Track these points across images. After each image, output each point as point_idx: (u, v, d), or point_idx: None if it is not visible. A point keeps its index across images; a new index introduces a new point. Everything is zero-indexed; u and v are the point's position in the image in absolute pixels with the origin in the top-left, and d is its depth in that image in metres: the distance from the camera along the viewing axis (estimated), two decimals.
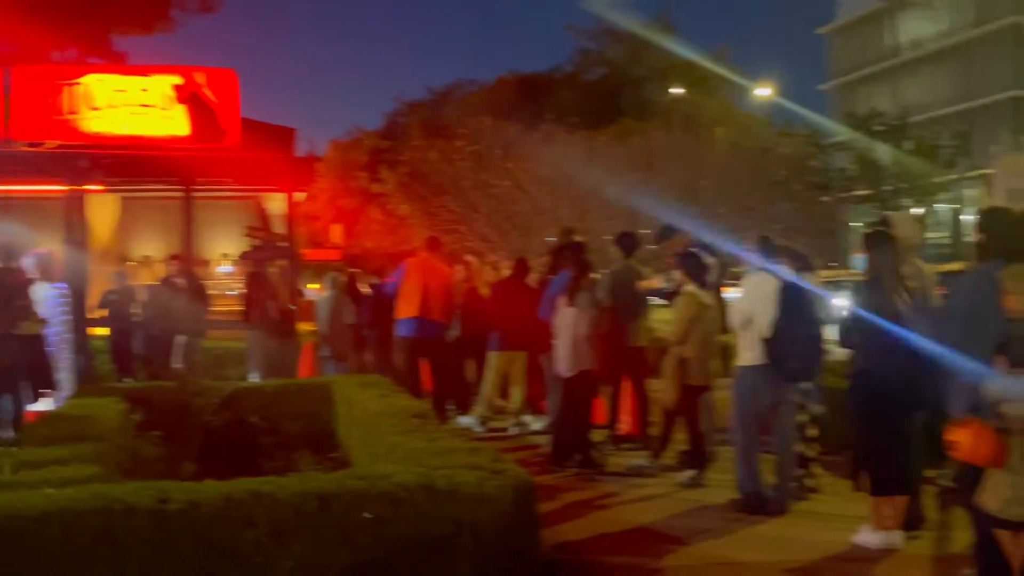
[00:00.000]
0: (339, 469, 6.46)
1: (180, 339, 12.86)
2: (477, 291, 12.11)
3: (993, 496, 5.23)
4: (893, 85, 70.61)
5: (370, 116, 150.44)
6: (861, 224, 51.20)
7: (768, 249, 7.90)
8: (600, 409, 10.61)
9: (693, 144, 35.09)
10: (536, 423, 11.23)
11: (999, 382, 5.20)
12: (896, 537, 6.67)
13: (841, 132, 56.32)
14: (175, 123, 11.04)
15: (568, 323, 9.27)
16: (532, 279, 11.34)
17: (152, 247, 23.47)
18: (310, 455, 8.02)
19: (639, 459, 8.78)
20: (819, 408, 8.39)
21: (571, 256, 9.66)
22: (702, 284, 8.59)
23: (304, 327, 13.49)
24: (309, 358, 13.65)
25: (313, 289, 18.03)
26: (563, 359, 9.32)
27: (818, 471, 8.40)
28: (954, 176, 52.07)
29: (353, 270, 15.30)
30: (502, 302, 11.22)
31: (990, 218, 6.10)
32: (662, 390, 8.67)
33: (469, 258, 13.18)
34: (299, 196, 12.58)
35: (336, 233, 46.84)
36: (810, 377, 8.00)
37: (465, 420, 11.57)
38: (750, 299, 7.68)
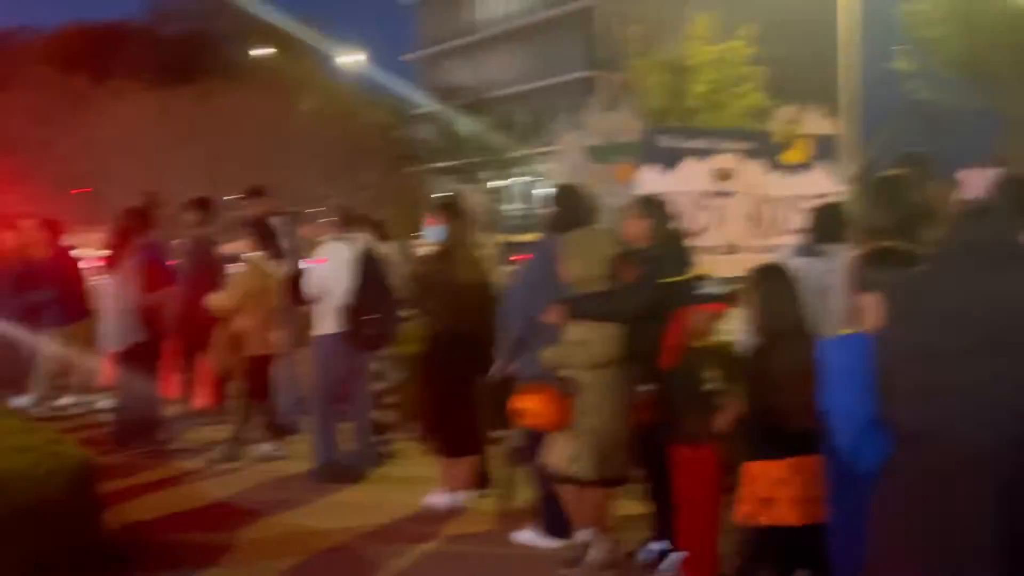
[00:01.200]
0: None
1: None
2: (35, 259, 11.32)
3: (557, 456, 5.70)
4: (475, 60, 73.79)
5: None
6: (441, 195, 53.12)
7: (345, 217, 8.04)
8: (174, 382, 10.33)
9: (278, 108, 34.81)
10: (103, 400, 10.73)
11: (560, 348, 5.67)
12: (465, 496, 7.08)
13: (426, 104, 58.03)
14: None
15: (114, 293, 8.86)
16: (100, 244, 10.78)
17: None
18: None
19: (268, 447, 8.60)
20: (396, 375, 8.70)
21: (123, 223, 9.23)
22: (271, 252, 8.60)
23: None
24: None
25: None
26: (112, 332, 8.93)
27: (395, 437, 8.72)
28: (529, 151, 55.31)
29: None
30: (60, 271, 10.57)
31: (561, 193, 6.61)
32: (214, 360, 8.62)
33: (25, 222, 12.26)
34: None
35: None
36: (387, 345, 8.27)
37: (21, 400, 10.83)
38: (327, 268, 7.79)
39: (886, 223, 4.42)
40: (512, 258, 8.01)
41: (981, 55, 26.28)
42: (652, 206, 6.35)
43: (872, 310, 3.50)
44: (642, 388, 5.63)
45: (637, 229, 6.10)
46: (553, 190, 6.64)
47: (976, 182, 3.10)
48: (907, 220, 4.39)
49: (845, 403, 3.43)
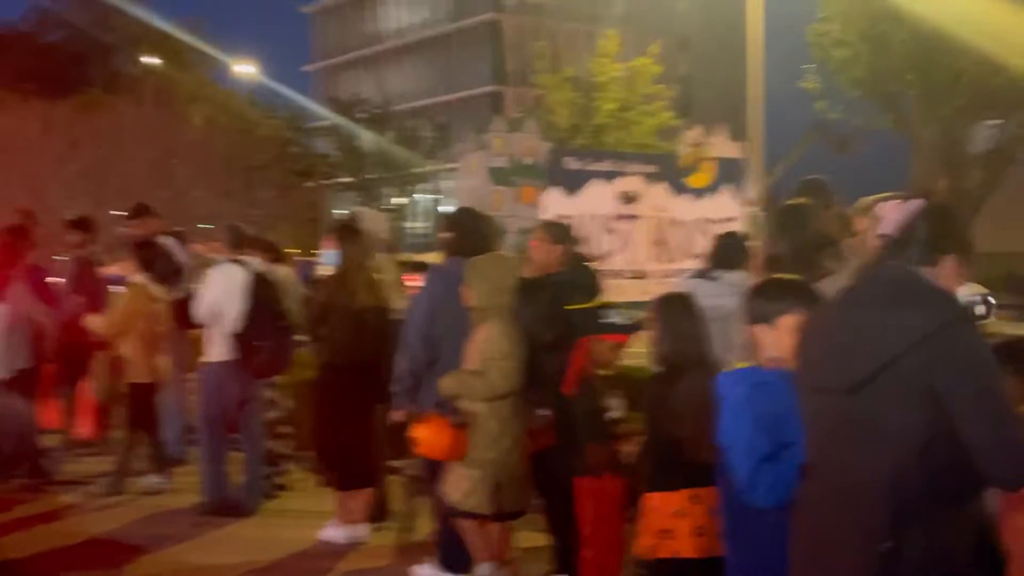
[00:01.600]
0: None
1: None
2: None
3: (454, 488, 5.74)
4: (377, 72, 73.67)
5: None
6: (345, 213, 52.76)
7: (237, 238, 8.01)
8: (53, 410, 10.12)
9: (167, 121, 34.35)
10: None
11: (458, 377, 5.72)
12: (362, 530, 7.08)
13: (325, 116, 57.75)
14: None
15: None
16: None
17: None
18: None
19: (153, 479, 8.48)
20: (290, 403, 8.67)
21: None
22: (157, 274, 8.52)
23: None
24: None
25: None
26: None
27: (289, 468, 8.68)
28: (433, 167, 55.36)
29: None
30: None
31: (456, 217, 6.67)
32: (96, 388, 8.51)
33: None
34: None
35: None
36: (280, 372, 8.24)
37: None
38: (217, 291, 7.75)
39: (785, 252, 4.60)
40: (411, 279, 8.06)
41: (888, 76, 27.08)
42: (560, 231, 6.47)
43: (765, 342, 3.63)
44: (541, 413, 5.72)
45: (545, 254, 6.21)
46: (450, 213, 6.71)
47: (894, 214, 3.13)
48: (806, 249, 4.57)
49: (740, 438, 3.55)
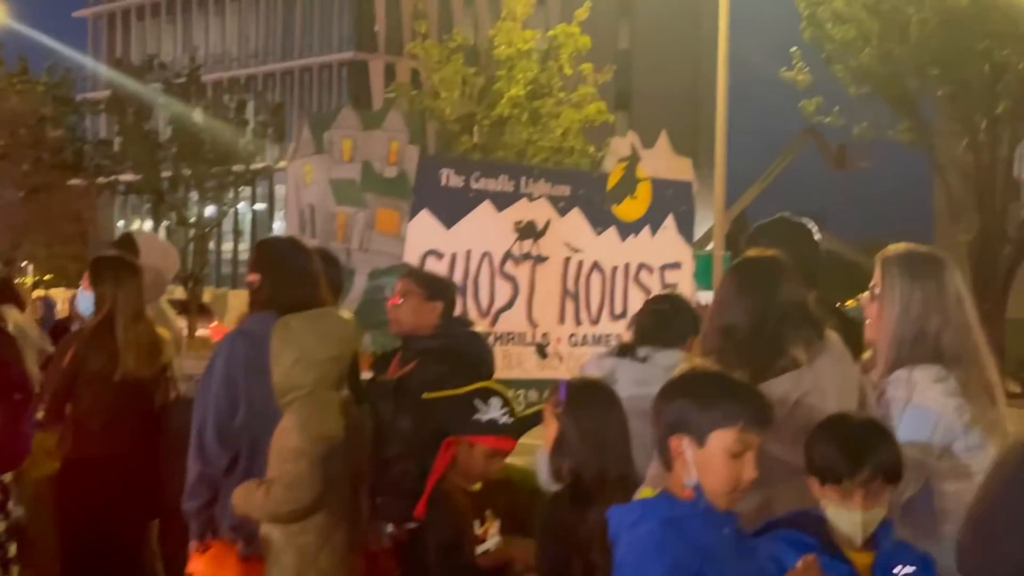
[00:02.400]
0: None
1: None
2: None
3: None
4: (185, 24, 73.38)
5: None
6: (139, 225, 52.10)
7: None
8: None
9: None
10: None
11: (246, 487, 5.62)
12: None
13: (105, 84, 57.19)
14: None
15: None
16: None
17: None
18: None
19: None
20: (20, 510, 8.51)
21: None
22: None
23: None
24: None
25: None
26: None
27: None
28: (262, 164, 55.05)
29: None
30: None
31: (268, 251, 6.51)
32: None
33: None
34: None
35: None
36: (11, 466, 8.07)
37: None
38: None
39: (740, 324, 4.60)
40: (216, 331, 8.00)
41: (903, 68, 27.47)
42: (439, 283, 6.49)
43: (685, 461, 3.61)
44: (387, 531, 5.69)
45: (415, 314, 6.20)
46: (261, 245, 6.59)
47: None
48: (769, 323, 4.57)
49: None
